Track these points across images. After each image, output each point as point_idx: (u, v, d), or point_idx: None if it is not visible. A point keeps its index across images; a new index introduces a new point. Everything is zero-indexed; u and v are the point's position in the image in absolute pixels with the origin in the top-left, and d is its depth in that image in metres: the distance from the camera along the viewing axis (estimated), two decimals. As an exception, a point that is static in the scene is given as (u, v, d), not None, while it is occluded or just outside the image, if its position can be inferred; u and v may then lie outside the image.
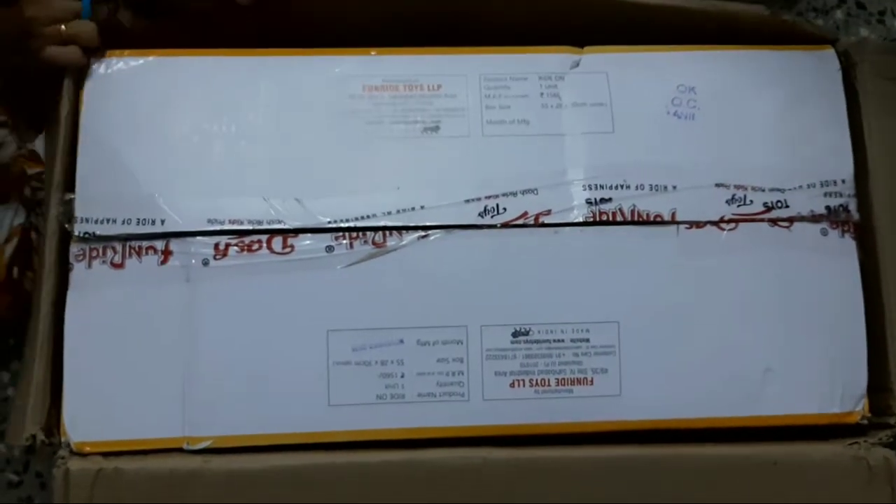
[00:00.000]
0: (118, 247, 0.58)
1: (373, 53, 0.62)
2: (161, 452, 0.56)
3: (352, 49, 0.62)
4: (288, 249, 0.58)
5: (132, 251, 0.58)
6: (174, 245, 0.58)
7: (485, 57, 0.63)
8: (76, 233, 0.57)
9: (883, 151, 0.62)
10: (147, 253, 0.58)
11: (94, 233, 0.57)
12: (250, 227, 0.58)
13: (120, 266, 0.57)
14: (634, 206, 0.59)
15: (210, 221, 0.57)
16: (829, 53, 0.64)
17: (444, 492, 0.55)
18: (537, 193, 0.59)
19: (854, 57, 0.63)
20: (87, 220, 0.57)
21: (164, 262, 0.58)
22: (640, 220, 0.59)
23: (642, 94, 0.62)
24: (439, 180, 0.59)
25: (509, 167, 0.60)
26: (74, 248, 0.58)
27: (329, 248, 0.58)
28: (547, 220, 0.59)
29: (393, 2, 0.63)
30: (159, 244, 0.58)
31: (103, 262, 0.58)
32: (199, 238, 0.58)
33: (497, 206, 0.59)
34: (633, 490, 0.56)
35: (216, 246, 0.58)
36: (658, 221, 0.59)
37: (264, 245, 0.58)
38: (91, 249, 0.58)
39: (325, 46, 0.62)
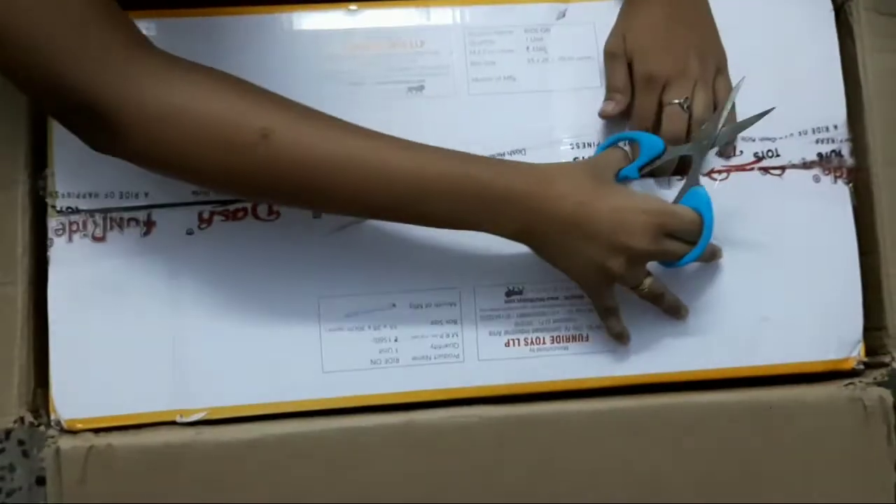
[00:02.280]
0: (99, 219, 0.56)
1: (352, 7, 0.60)
2: (154, 426, 0.55)
3: (330, 3, 0.60)
4: (274, 216, 0.57)
5: (113, 223, 0.56)
6: (157, 216, 0.56)
7: (468, 9, 0.61)
8: (57, 208, 0.56)
9: (879, 89, 0.61)
10: (129, 225, 0.56)
11: (76, 207, 0.56)
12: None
13: (101, 239, 0.56)
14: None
15: (195, 193, 0.56)
16: (820, -7, 0.63)
17: (440, 452, 0.55)
18: (525, 154, 0.58)
19: (847, -9, 0.62)
20: (67, 195, 0.56)
21: (147, 233, 0.56)
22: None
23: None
24: (426, 142, 0.58)
25: (496, 127, 0.59)
26: (53, 223, 0.56)
27: (317, 214, 0.57)
28: None
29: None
30: (141, 215, 0.56)
31: (84, 235, 0.56)
32: (182, 207, 0.56)
33: None
34: (630, 440, 0.56)
35: (200, 215, 0.56)
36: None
37: (249, 212, 0.57)
38: (71, 223, 0.56)
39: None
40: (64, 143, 0.56)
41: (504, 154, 0.58)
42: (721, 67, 0.59)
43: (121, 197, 0.56)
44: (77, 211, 0.56)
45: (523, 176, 0.50)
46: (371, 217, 0.54)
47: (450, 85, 0.59)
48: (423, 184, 0.48)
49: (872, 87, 0.61)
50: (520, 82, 0.60)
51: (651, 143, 0.55)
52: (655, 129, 0.57)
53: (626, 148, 0.56)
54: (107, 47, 0.44)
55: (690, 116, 0.56)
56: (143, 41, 0.46)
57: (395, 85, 0.59)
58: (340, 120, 0.49)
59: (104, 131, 0.45)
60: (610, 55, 0.59)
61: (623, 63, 0.58)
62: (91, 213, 0.56)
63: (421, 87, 0.59)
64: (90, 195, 0.56)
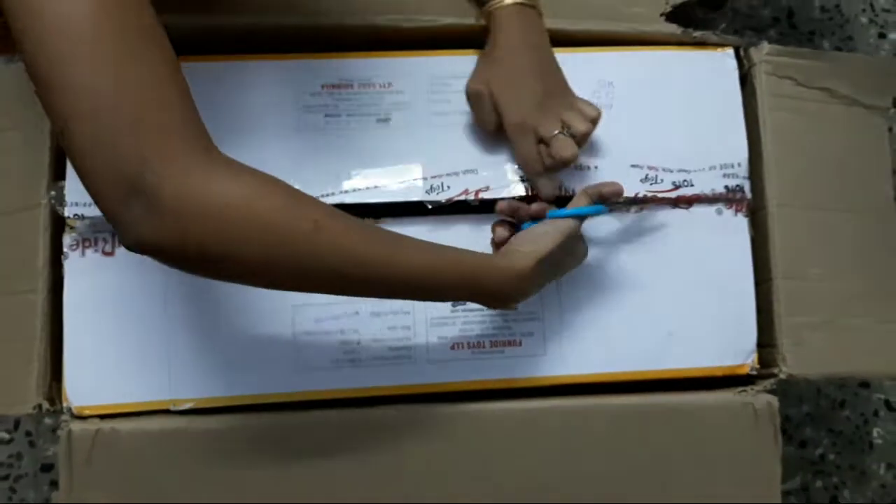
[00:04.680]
0: (108, 237, 0.66)
1: (333, 57, 0.70)
2: (151, 414, 0.64)
3: (314, 53, 0.70)
4: (256, 236, 0.66)
5: (120, 240, 0.66)
6: (157, 235, 0.66)
7: (430, 59, 0.71)
8: (67, 215, 0.64)
9: (775, 141, 0.71)
10: (133, 242, 0.66)
11: (83, 214, 0.64)
12: None
13: (111, 254, 0.65)
14: (562, 183, 0.67)
15: None
16: (728, 54, 0.73)
17: (394, 442, 0.65)
18: (477, 173, 0.67)
19: (753, 58, 0.72)
20: (76, 204, 0.64)
21: (148, 249, 0.66)
22: (570, 194, 0.67)
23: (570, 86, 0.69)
24: (392, 164, 0.67)
25: (452, 152, 0.68)
26: (68, 239, 0.65)
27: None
28: (486, 195, 0.67)
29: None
30: (144, 234, 0.66)
31: (95, 250, 0.65)
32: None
33: (442, 184, 0.67)
34: (556, 436, 0.66)
35: (194, 234, 0.66)
36: None
37: (235, 233, 0.66)
38: (84, 240, 0.66)
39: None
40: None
41: (458, 173, 0.67)
42: (574, 99, 0.67)
43: None
44: (83, 217, 0.64)
45: (492, 270, 0.58)
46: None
47: (412, 118, 0.69)
48: (436, 283, 0.55)
49: (770, 139, 0.71)
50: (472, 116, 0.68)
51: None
52: (540, 169, 0.65)
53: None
54: (182, 143, 0.47)
55: (574, 138, 0.63)
56: (211, 143, 0.49)
57: (366, 117, 0.69)
58: (366, 222, 0.56)
59: (159, 220, 0.46)
60: (476, 94, 0.66)
61: (490, 102, 0.65)
62: (102, 231, 0.65)
63: (388, 120, 0.69)
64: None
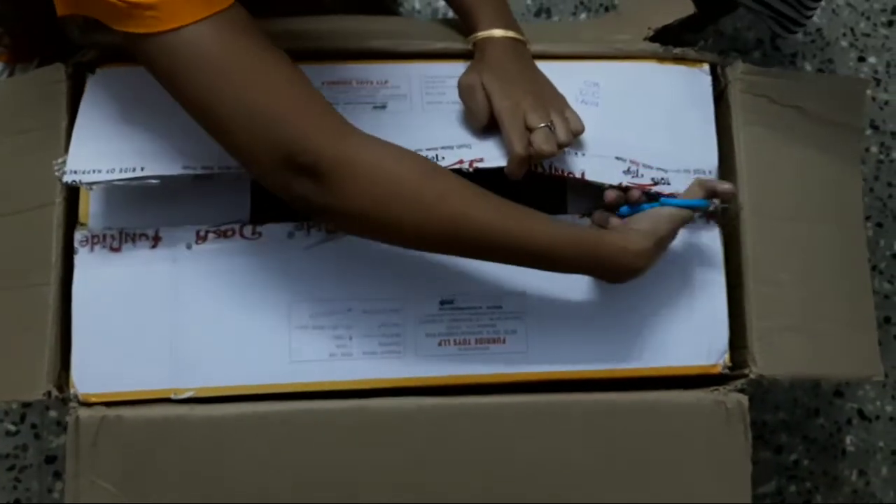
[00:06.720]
0: (116, 234, 0.69)
1: (334, 63, 0.74)
2: (153, 402, 0.68)
3: (316, 60, 0.73)
4: (256, 235, 0.70)
5: (127, 238, 0.69)
6: (163, 232, 0.69)
7: (425, 65, 0.75)
8: (65, 181, 0.66)
9: (747, 153, 0.75)
10: (140, 239, 0.69)
11: (80, 181, 0.66)
12: (219, 171, 0.66)
13: (118, 250, 0.69)
14: (552, 163, 0.70)
15: (185, 167, 0.66)
16: (704, 70, 0.77)
17: (383, 430, 0.68)
18: (471, 147, 0.69)
19: (728, 76, 0.76)
20: (75, 172, 0.67)
21: (154, 246, 0.69)
22: (557, 174, 0.70)
23: (557, 85, 0.73)
24: (386, 139, 0.67)
25: (446, 131, 0.71)
26: (78, 236, 0.69)
27: (290, 234, 0.70)
28: (480, 165, 0.67)
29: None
30: (150, 231, 0.69)
31: (103, 246, 0.69)
32: (183, 227, 0.69)
33: (436, 155, 0.68)
34: (537, 430, 0.69)
35: (197, 233, 0.69)
36: (571, 177, 0.70)
37: (237, 232, 0.70)
38: (92, 237, 0.69)
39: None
40: (80, 137, 0.68)
41: (453, 147, 0.69)
42: (565, 105, 0.70)
43: (120, 171, 0.66)
44: (80, 183, 0.66)
45: (611, 245, 0.64)
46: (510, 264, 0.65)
47: (408, 106, 0.72)
48: (555, 256, 0.62)
49: (743, 153, 0.75)
50: None
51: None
52: (524, 153, 0.65)
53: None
54: (327, 122, 0.58)
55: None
56: (345, 119, 0.60)
57: (363, 105, 0.72)
58: (489, 192, 0.61)
59: (321, 186, 0.57)
60: (468, 86, 0.69)
61: (482, 91, 0.68)
62: (110, 228, 0.69)
63: (384, 106, 0.72)
64: (94, 171, 0.66)
